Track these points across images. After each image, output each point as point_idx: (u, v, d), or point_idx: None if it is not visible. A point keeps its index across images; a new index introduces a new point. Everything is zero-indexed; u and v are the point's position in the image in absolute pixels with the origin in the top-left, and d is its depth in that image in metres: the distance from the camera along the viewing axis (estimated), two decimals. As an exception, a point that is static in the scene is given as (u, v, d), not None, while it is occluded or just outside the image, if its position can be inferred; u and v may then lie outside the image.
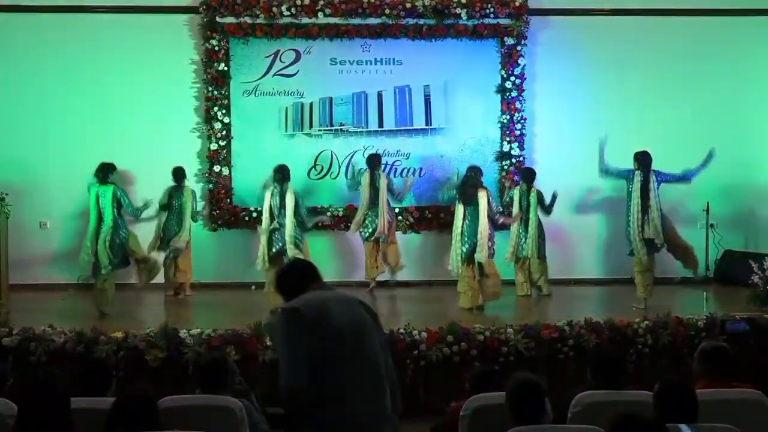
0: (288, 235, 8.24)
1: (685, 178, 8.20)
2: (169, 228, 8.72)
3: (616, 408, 3.35)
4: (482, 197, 7.92)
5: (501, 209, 8.47)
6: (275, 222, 8.28)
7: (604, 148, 8.28)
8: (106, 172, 8.01)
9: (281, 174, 8.43)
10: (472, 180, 8.08)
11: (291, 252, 8.13)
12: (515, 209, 8.75)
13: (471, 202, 7.93)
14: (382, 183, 8.92)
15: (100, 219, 7.85)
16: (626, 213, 8.11)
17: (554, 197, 8.77)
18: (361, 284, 9.14)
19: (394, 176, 9.49)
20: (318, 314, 3.18)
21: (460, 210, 8.00)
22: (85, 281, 9.02)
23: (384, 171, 9.27)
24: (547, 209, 8.81)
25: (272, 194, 8.36)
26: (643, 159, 8.07)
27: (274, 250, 8.29)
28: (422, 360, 6.39)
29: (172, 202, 8.75)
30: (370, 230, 8.90)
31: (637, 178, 8.01)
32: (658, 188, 8.00)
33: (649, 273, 8.05)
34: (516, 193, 8.81)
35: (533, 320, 6.79)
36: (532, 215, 8.69)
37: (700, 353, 4.39)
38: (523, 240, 8.71)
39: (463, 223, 7.94)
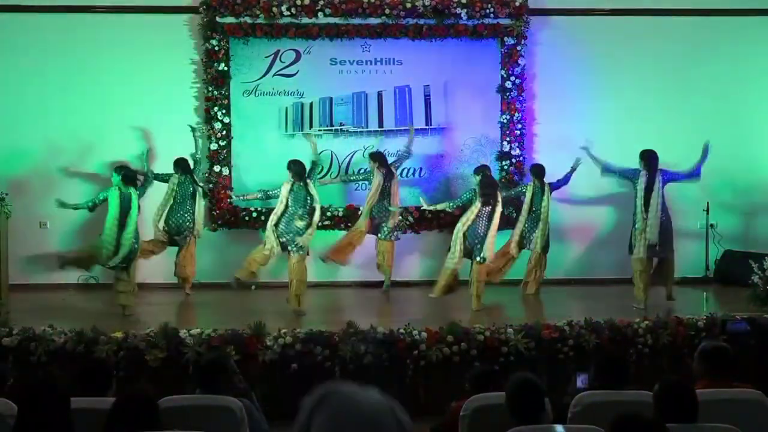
0: (312, 227, 7.88)
1: (693, 174, 8.17)
2: (175, 217, 8.71)
3: (616, 408, 3.36)
4: (500, 197, 8.11)
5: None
6: (288, 212, 7.87)
7: (591, 153, 8.42)
8: (134, 177, 8.04)
9: (301, 168, 8.04)
10: (490, 179, 8.12)
11: (300, 242, 7.81)
12: (526, 206, 8.76)
13: (490, 202, 7.97)
14: (395, 179, 8.97)
15: (121, 220, 7.78)
16: (633, 213, 8.11)
17: (576, 166, 8.83)
18: (361, 285, 9.17)
19: (398, 167, 9.41)
20: (341, 402, 3.16)
21: (476, 209, 7.96)
22: (85, 281, 9.06)
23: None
24: (563, 179, 8.88)
25: (291, 188, 7.93)
26: (649, 158, 8.04)
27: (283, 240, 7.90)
28: (422, 360, 6.39)
29: (177, 192, 8.72)
30: (387, 229, 8.92)
31: (642, 178, 8.00)
32: (662, 188, 7.99)
33: (646, 274, 8.05)
34: (529, 190, 8.82)
35: (533, 320, 6.80)
36: (543, 211, 8.72)
37: (700, 353, 4.39)
38: (530, 233, 8.74)
39: (475, 221, 7.93)
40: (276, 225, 7.92)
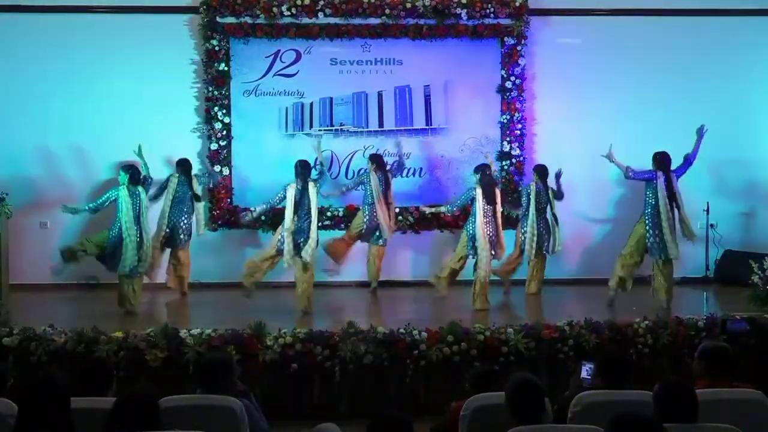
0: (312, 232, 7.77)
1: (689, 162, 8.10)
2: (172, 218, 8.68)
3: (616, 408, 3.35)
4: (498, 195, 8.11)
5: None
6: (297, 221, 7.75)
7: (613, 159, 8.18)
8: (139, 175, 8.03)
9: (306, 170, 7.95)
10: (490, 178, 8.11)
11: (307, 254, 7.75)
12: (532, 207, 8.70)
13: (491, 201, 7.98)
14: (390, 187, 8.96)
15: (136, 220, 7.76)
16: (650, 219, 7.92)
17: (558, 176, 8.78)
18: (361, 285, 9.18)
19: (393, 177, 9.36)
20: None
21: (479, 209, 7.92)
22: (87, 281, 9.06)
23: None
24: (558, 194, 8.84)
25: (296, 190, 7.81)
26: (662, 160, 7.97)
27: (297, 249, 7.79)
28: (422, 360, 6.39)
29: (176, 192, 8.70)
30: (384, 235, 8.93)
31: (661, 179, 7.90)
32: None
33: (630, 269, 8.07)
34: (532, 190, 8.80)
35: (533, 320, 6.80)
36: (551, 212, 8.73)
37: (700, 353, 4.38)
38: (548, 236, 8.73)
39: (482, 221, 7.90)
40: (290, 230, 7.74)
